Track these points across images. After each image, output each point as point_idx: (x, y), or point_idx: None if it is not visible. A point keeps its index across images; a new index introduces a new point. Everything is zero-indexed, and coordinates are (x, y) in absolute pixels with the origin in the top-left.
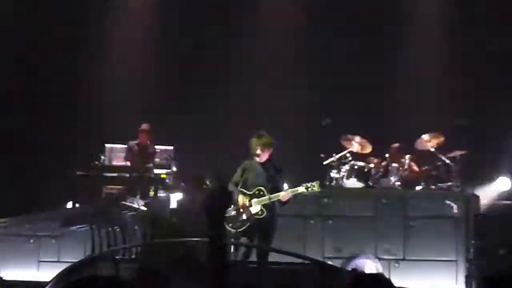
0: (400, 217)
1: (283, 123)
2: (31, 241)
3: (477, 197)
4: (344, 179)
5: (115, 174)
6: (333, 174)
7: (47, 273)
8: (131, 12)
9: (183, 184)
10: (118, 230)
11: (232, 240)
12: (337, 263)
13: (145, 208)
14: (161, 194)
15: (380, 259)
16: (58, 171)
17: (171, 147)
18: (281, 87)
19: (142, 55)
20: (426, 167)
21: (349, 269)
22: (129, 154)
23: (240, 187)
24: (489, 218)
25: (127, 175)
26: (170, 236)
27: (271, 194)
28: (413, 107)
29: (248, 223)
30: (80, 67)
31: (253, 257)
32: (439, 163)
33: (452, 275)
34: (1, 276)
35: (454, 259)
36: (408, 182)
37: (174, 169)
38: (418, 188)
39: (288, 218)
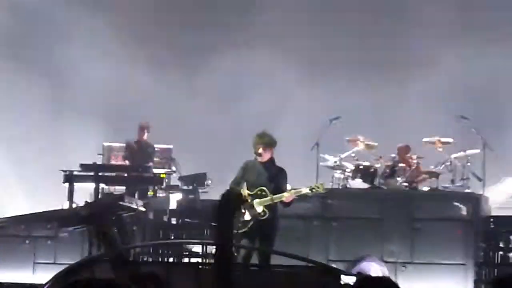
0: (407, 219)
1: (286, 122)
2: (27, 242)
3: (487, 198)
4: (349, 180)
5: (113, 174)
6: (338, 174)
7: (43, 275)
8: (127, 9)
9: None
10: (115, 231)
11: (233, 241)
12: (341, 266)
13: (144, 209)
14: (160, 194)
15: (386, 262)
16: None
17: (170, 146)
18: (285, 87)
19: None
20: (433, 168)
21: (354, 272)
22: (128, 152)
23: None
24: (498, 220)
25: (125, 174)
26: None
27: (273, 194)
28: (422, 107)
29: (250, 224)
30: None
31: (254, 260)
32: (447, 163)
33: (460, 279)
34: None
35: (462, 262)
36: (415, 182)
37: (174, 168)
38: (425, 189)
39: (290, 219)
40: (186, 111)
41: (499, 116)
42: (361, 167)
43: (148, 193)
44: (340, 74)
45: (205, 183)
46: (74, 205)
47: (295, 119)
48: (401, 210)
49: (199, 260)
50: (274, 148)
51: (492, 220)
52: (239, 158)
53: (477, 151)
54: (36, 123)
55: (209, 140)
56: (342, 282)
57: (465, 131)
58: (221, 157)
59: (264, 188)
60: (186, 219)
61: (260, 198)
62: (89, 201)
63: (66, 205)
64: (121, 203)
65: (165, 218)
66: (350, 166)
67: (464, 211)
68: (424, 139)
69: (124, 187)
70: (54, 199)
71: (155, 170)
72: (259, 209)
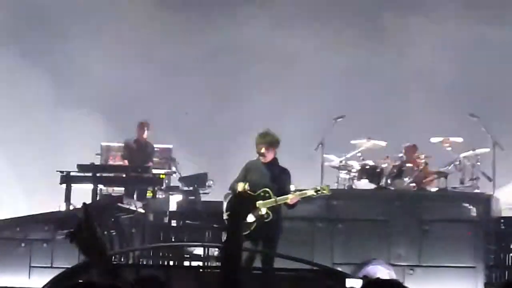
0: (415, 221)
1: (289, 121)
2: (22, 245)
3: (497, 199)
4: (355, 180)
5: (111, 174)
6: (343, 175)
7: (39, 280)
8: (128, 13)
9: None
10: (114, 234)
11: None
12: (346, 269)
13: (143, 211)
14: (160, 195)
15: (393, 265)
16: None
17: (170, 146)
18: (289, 87)
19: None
20: (442, 168)
21: (360, 276)
22: (127, 152)
23: None
24: (509, 221)
25: (124, 175)
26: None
27: (277, 196)
28: (429, 105)
29: (253, 227)
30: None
31: (257, 263)
32: (456, 162)
33: (470, 282)
34: None
35: (472, 265)
36: (423, 183)
37: (174, 169)
38: (433, 189)
39: (295, 221)
40: (187, 109)
41: (510, 114)
42: (367, 167)
43: (147, 194)
44: (345, 72)
45: (206, 184)
46: (71, 207)
47: (298, 118)
48: (409, 211)
49: (200, 263)
50: (277, 148)
51: (502, 221)
52: (242, 158)
53: (487, 150)
54: (34, 124)
55: (210, 140)
56: (347, 286)
57: (474, 130)
58: (222, 157)
59: (268, 190)
60: (187, 221)
61: (263, 200)
62: (86, 202)
63: (63, 207)
64: (119, 204)
65: (165, 220)
66: (356, 166)
67: (473, 212)
68: (432, 139)
69: (122, 188)
70: (52, 200)
71: (155, 171)
72: (263, 210)
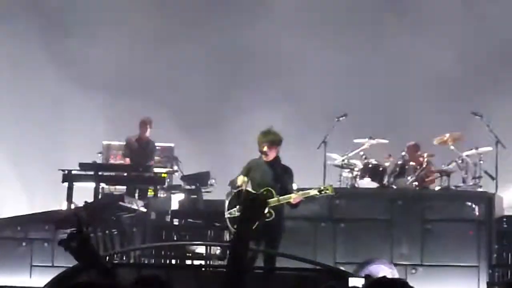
0: (417, 220)
1: (292, 121)
2: (23, 244)
3: (500, 198)
4: (358, 179)
5: (112, 173)
6: (346, 173)
7: (40, 279)
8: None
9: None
10: (115, 233)
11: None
12: (349, 269)
13: (144, 209)
14: (162, 194)
15: (396, 265)
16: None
17: (172, 144)
18: (291, 85)
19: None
20: (444, 166)
21: (363, 275)
22: (128, 150)
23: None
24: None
25: (126, 174)
26: None
27: (279, 195)
28: (432, 103)
29: (255, 226)
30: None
31: (260, 262)
32: (459, 161)
33: (473, 281)
34: None
35: (475, 264)
36: (426, 182)
37: (176, 167)
38: (436, 188)
39: (297, 220)
40: (189, 108)
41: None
42: (370, 166)
43: (149, 193)
44: (347, 71)
45: (208, 182)
46: (73, 206)
47: (300, 116)
48: (411, 210)
49: (202, 262)
50: (279, 147)
51: (505, 219)
52: (244, 156)
53: (490, 148)
54: (36, 122)
55: (212, 139)
56: (350, 285)
57: (477, 128)
58: (225, 156)
59: (271, 189)
60: (189, 219)
61: (266, 199)
62: (88, 201)
63: (65, 206)
64: (121, 203)
65: (167, 219)
66: (358, 165)
67: (476, 211)
68: (435, 139)
69: (124, 187)
70: (54, 199)
71: (156, 170)
72: (265, 210)
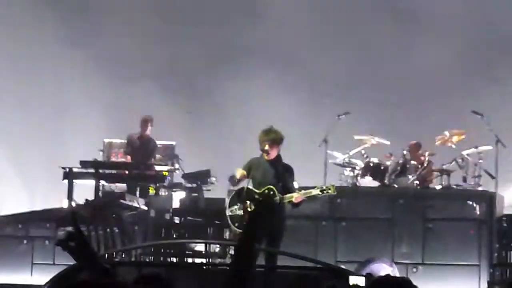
0: (419, 219)
1: (293, 119)
2: (24, 242)
3: (501, 197)
4: (359, 178)
5: (114, 171)
6: (347, 172)
7: (41, 277)
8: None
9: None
10: (116, 231)
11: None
12: (350, 267)
13: (145, 208)
14: (163, 193)
15: (397, 263)
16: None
17: (173, 143)
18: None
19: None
20: (445, 165)
21: (364, 274)
22: (129, 147)
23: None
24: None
25: (126, 172)
26: None
27: (281, 193)
28: (433, 102)
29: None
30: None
31: (261, 261)
32: (460, 160)
33: (474, 280)
34: None
35: (476, 263)
36: (427, 181)
37: (177, 166)
38: (437, 187)
39: (298, 219)
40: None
41: None
42: (371, 164)
43: (150, 191)
44: (348, 68)
45: (209, 180)
46: (73, 203)
47: (301, 115)
48: (412, 209)
49: (203, 260)
50: (281, 145)
51: (504, 218)
52: (245, 155)
53: (490, 147)
54: (37, 120)
55: (213, 137)
56: (351, 283)
57: (477, 127)
58: (226, 155)
59: (272, 187)
60: (189, 217)
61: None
62: (89, 199)
63: (65, 203)
64: (122, 201)
65: (167, 217)
66: (359, 164)
67: (477, 210)
68: (437, 139)
69: (125, 185)
70: (55, 196)
71: (158, 168)
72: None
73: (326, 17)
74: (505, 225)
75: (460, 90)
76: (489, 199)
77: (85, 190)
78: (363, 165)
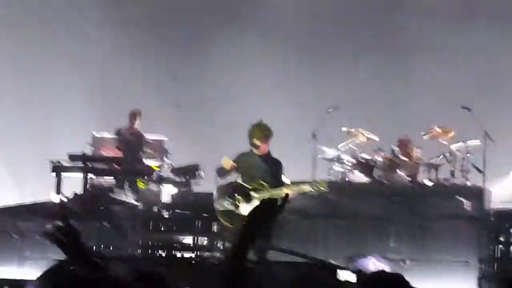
0: (410, 215)
1: (282, 113)
2: (14, 236)
3: (489, 192)
4: (348, 173)
5: (103, 165)
6: (337, 167)
7: (31, 271)
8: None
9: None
10: (105, 224)
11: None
12: (341, 263)
13: (135, 202)
14: (152, 187)
15: (386, 259)
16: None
17: (162, 137)
18: (283, 76)
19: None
20: (433, 160)
21: (354, 269)
22: (119, 141)
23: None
24: (500, 214)
25: (116, 166)
26: None
27: (271, 188)
28: (421, 97)
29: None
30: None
31: (251, 255)
32: (448, 154)
33: (465, 276)
34: None
35: (467, 259)
36: (417, 176)
37: (167, 160)
38: (428, 183)
39: (289, 215)
40: (179, 99)
41: (503, 106)
42: (361, 160)
43: (138, 185)
44: (338, 62)
45: (197, 174)
46: (61, 197)
47: (290, 109)
48: (404, 205)
49: (192, 254)
50: (270, 139)
51: (494, 214)
52: (234, 149)
53: (478, 142)
54: (25, 112)
55: (202, 131)
56: (341, 279)
57: (466, 122)
58: (215, 149)
59: (263, 182)
60: (176, 210)
61: (258, 192)
62: (77, 193)
63: (54, 196)
64: (110, 195)
65: (156, 210)
66: (349, 159)
67: (468, 206)
68: (427, 134)
69: (113, 179)
70: (43, 190)
71: (148, 162)
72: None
73: (320, 7)
74: (493, 219)
75: (449, 84)
76: (479, 195)
77: (74, 184)
78: (353, 160)
